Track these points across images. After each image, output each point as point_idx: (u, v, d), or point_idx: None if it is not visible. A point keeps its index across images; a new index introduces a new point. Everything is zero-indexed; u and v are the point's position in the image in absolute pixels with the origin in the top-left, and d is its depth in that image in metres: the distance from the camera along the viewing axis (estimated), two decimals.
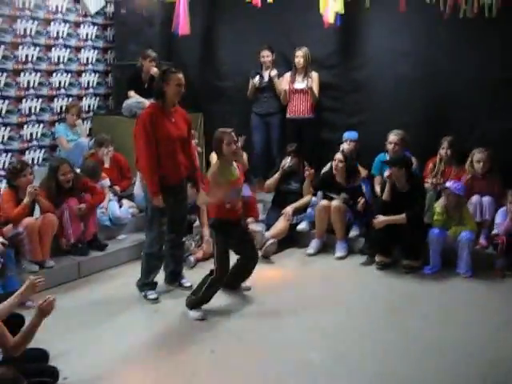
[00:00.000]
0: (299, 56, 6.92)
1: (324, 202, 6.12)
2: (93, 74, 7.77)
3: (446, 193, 5.54)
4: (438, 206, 5.60)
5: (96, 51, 7.77)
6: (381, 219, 5.61)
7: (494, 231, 5.55)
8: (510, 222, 5.40)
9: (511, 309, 4.83)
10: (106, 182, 6.31)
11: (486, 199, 5.70)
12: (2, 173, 6.57)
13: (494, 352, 4.09)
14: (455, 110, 6.44)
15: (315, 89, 6.98)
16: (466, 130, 6.31)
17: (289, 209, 6.34)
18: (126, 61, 7.66)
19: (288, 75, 7.08)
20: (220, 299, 4.85)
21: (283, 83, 7.11)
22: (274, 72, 7.14)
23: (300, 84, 7.00)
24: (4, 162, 6.67)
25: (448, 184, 5.57)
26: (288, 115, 7.10)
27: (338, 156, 6.18)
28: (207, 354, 4.07)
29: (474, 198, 5.73)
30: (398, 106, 6.71)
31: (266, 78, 7.20)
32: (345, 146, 6.51)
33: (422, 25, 6.54)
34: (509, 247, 5.33)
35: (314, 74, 7.01)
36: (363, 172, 6.44)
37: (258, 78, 7.16)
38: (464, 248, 5.42)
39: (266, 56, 7.16)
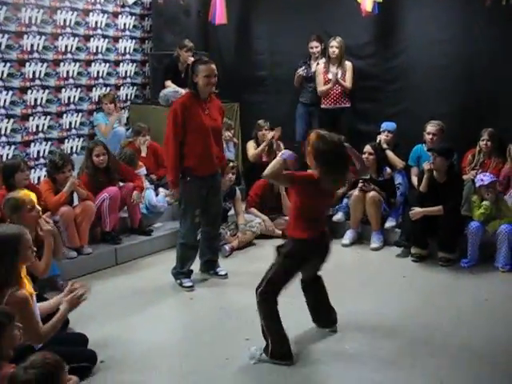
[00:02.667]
0: (334, 46, 6.84)
1: (358, 193, 6.09)
2: (130, 64, 7.85)
3: (483, 190, 5.44)
4: (478, 199, 5.50)
5: (133, 41, 7.85)
6: (417, 211, 5.55)
7: None
8: None
9: None
10: (143, 170, 6.41)
11: None
12: (43, 161, 6.72)
13: None
14: (496, 100, 6.31)
15: (348, 78, 6.89)
16: (507, 121, 6.17)
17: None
18: (163, 51, 7.70)
19: (321, 67, 6.98)
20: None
21: (319, 76, 6.97)
22: (322, 60, 7.03)
23: (335, 75, 6.89)
24: (44, 151, 6.81)
25: (479, 182, 5.47)
26: (322, 105, 7.05)
27: (368, 148, 6.12)
28: (242, 342, 4.09)
29: None
30: (436, 96, 6.61)
31: (314, 69, 7.13)
32: (382, 137, 6.45)
33: (461, 12, 6.42)
34: None
35: (348, 64, 6.92)
36: (400, 163, 6.37)
37: (303, 67, 7.11)
38: (503, 241, 5.33)
39: (315, 47, 7.12)
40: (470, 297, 4.87)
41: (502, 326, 4.33)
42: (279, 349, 3.76)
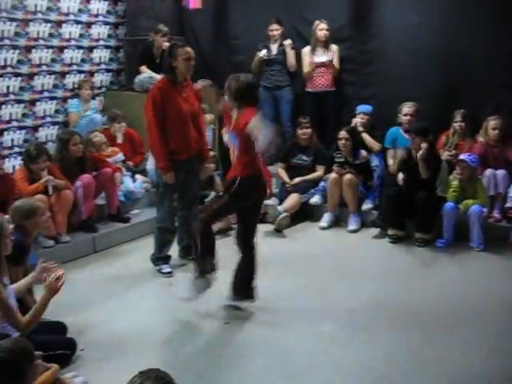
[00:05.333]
0: (324, 29, 6.77)
1: (335, 175, 6.12)
2: (104, 50, 7.75)
3: (461, 165, 5.51)
4: (454, 179, 5.57)
5: (107, 27, 7.74)
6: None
7: (508, 204, 5.56)
8: None
9: None
10: (120, 156, 6.37)
11: (500, 172, 5.65)
12: (17, 149, 6.64)
13: (505, 323, 4.12)
14: (469, 82, 6.33)
15: (336, 61, 6.88)
16: (480, 103, 6.22)
17: (297, 180, 6.39)
18: (137, 36, 7.62)
19: (307, 49, 6.96)
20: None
21: (305, 58, 6.95)
22: (288, 41, 7.04)
23: (320, 57, 6.86)
24: (18, 139, 6.72)
25: (463, 156, 5.54)
26: (308, 89, 7.03)
27: (343, 134, 6.15)
28: (221, 326, 4.13)
29: (488, 172, 5.69)
30: (410, 79, 6.61)
31: (275, 51, 7.13)
32: (358, 120, 6.48)
33: None
34: None
35: (334, 47, 6.89)
36: (376, 145, 6.41)
37: (264, 51, 7.09)
38: (474, 221, 5.41)
39: (275, 29, 7.09)
40: (446, 276, 4.95)
41: (478, 302, 4.43)
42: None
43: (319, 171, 6.49)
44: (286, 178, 6.49)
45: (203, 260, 4.24)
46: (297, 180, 6.42)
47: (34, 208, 4.09)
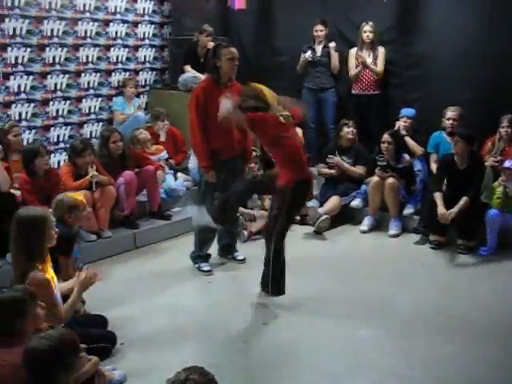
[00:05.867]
0: (367, 31, 6.73)
1: (377, 179, 6.07)
2: (149, 49, 7.84)
3: (507, 173, 5.39)
4: (499, 186, 5.45)
5: (153, 26, 7.84)
6: (448, 212, 5.37)
7: None
8: None
9: None
10: (164, 154, 6.45)
11: None
12: (62, 145, 6.77)
13: None
14: None
15: (380, 63, 6.81)
16: None
17: (337, 158, 6.42)
18: (182, 35, 7.69)
19: (353, 51, 6.93)
20: None
21: (351, 60, 6.94)
22: (332, 44, 7.01)
23: (367, 59, 6.83)
24: (64, 135, 6.86)
25: (508, 163, 5.42)
26: (353, 91, 6.99)
27: (386, 137, 6.08)
28: (259, 326, 4.13)
29: None
30: (456, 82, 6.51)
31: (319, 53, 7.10)
32: (401, 123, 6.41)
33: None
34: None
35: (381, 49, 6.83)
36: (419, 150, 6.33)
37: (310, 52, 7.07)
38: None
39: (320, 30, 7.06)
40: (488, 285, 4.85)
41: None
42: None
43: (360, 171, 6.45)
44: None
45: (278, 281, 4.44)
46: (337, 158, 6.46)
47: (76, 203, 4.21)
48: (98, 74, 7.21)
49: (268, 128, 4.31)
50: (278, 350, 3.82)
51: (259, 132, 4.48)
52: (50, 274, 3.45)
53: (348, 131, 6.50)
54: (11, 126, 5.64)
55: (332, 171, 6.50)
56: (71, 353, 2.51)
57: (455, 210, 5.37)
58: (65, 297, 3.57)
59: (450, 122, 6.06)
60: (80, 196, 4.43)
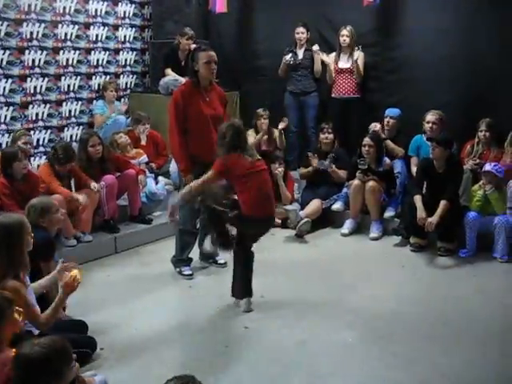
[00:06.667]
0: (344, 35, 6.75)
1: (358, 182, 6.09)
2: (130, 52, 7.82)
3: (488, 176, 5.44)
4: (479, 189, 5.50)
5: (134, 29, 7.81)
6: (429, 221, 5.40)
7: None
8: None
9: None
10: (144, 158, 6.42)
11: None
12: (42, 149, 6.71)
13: None
14: (495, 91, 6.28)
15: (360, 67, 6.83)
16: (506, 112, 6.15)
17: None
18: (163, 39, 7.67)
19: (332, 55, 6.95)
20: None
21: (329, 63, 6.95)
22: (315, 47, 6.99)
23: (345, 63, 6.85)
24: (44, 139, 6.80)
25: (488, 167, 5.47)
26: (333, 95, 7.02)
27: (367, 141, 6.11)
28: (241, 330, 4.12)
29: None
30: (436, 86, 6.58)
31: (301, 56, 7.11)
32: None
33: (463, 0, 6.39)
34: None
35: (360, 53, 6.86)
36: (400, 151, 6.37)
37: (290, 55, 7.06)
38: (500, 233, 5.34)
39: (301, 33, 7.06)
40: (468, 286, 4.89)
41: (501, 314, 4.39)
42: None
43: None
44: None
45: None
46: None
47: (48, 206, 4.12)
48: (79, 78, 7.16)
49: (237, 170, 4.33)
50: (260, 353, 3.82)
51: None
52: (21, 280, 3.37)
53: (323, 137, 6.53)
54: (22, 134, 5.78)
55: (309, 169, 6.51)
56: (62, 361, 2.48)
57: (436, 217, 5.40)
58: (41, 297, 3.54)
59: (430, 125, 6.11)
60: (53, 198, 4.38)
